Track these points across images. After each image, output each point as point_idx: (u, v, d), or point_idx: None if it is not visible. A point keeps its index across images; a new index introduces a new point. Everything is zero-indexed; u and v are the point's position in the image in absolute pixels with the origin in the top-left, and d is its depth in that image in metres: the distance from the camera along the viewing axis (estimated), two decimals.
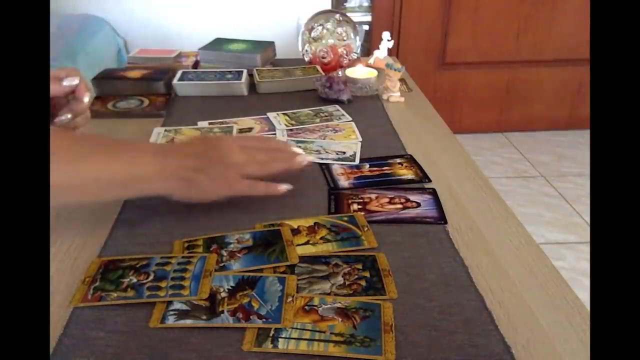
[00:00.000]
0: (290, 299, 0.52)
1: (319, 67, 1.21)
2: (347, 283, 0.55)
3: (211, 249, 0.60)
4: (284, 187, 0.68)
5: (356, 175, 0.78)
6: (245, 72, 1.17)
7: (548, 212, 1.96)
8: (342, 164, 0.81)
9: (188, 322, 0.50)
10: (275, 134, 0.92)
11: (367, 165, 0.81)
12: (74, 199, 0.61)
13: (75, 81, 0.70)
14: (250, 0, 2.06)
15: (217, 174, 0.64)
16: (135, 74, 1.14)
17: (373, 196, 0.72)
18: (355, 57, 1.28)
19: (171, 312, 0.51)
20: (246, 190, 0.66)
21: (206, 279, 0.55)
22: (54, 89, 0.69)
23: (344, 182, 0.76)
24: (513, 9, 2.42)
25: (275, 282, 0.55)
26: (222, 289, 0.54)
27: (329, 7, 2.08)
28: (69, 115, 0.71)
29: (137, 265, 0.57)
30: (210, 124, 0.97)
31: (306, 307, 0.51)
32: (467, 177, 0.79)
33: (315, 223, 0.65)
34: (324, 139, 0.90)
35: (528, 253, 0.62)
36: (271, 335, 0.48)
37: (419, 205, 0.70)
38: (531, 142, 2.57)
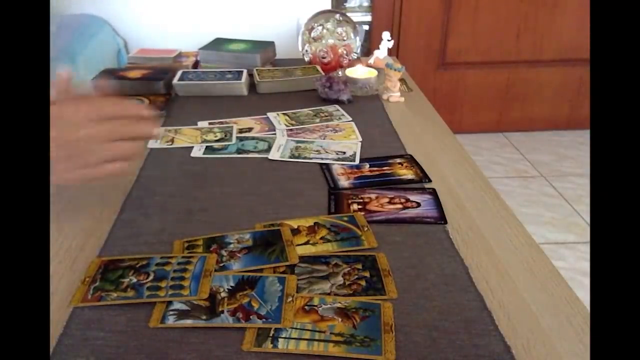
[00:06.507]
0: (290, 299, 0.52)
1: (319, 67, 1.21)
2: (347, 283, 0.55)
3: (211, 249, 0.60)
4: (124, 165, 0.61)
5: (356, 175, 0.78)
6: (245, 72, 1.17)
7: (548, 212, 1.96)
8: (342, 164, 0.81)
9: (188, 322, 0.50)
10: (275, 134, 0.92)
11: (367, 165, 0.81)
12: None
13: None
14: (250, 0, 2.06)
15: (62, 156, 0.57)
16: (135, 74, 1.14)
17: (373, 196, 0.72)
18: (355, 57, 1.28)
19: (171, 312, 0.51)
20: (102, 179, 0.60)
21: (206, 279, 0.55)
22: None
23: (344, 182, 0.76)
24: (513, 9, 2.41)
25: (275, 282, 0.55)
26: (222, 289, 0.54)
27: (329, 7, 2.08)
28: None
29: (137, 265, 0.57)
30: (210, 124, 0.97)
31: (306, 307, 0.51)
32: (467, 177, 0.79)
33: (315, 223, 0.65)
34: (324, 139, 0.90)
35: (528, 253, 0.62)
36: (271, 335, 0.48)
37: (419, 205, 0.70)
38: (531, 142, 2.57)
